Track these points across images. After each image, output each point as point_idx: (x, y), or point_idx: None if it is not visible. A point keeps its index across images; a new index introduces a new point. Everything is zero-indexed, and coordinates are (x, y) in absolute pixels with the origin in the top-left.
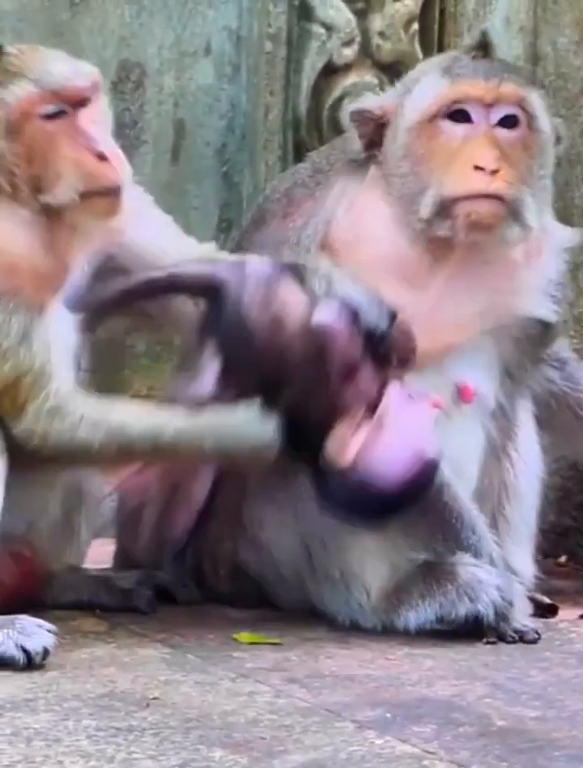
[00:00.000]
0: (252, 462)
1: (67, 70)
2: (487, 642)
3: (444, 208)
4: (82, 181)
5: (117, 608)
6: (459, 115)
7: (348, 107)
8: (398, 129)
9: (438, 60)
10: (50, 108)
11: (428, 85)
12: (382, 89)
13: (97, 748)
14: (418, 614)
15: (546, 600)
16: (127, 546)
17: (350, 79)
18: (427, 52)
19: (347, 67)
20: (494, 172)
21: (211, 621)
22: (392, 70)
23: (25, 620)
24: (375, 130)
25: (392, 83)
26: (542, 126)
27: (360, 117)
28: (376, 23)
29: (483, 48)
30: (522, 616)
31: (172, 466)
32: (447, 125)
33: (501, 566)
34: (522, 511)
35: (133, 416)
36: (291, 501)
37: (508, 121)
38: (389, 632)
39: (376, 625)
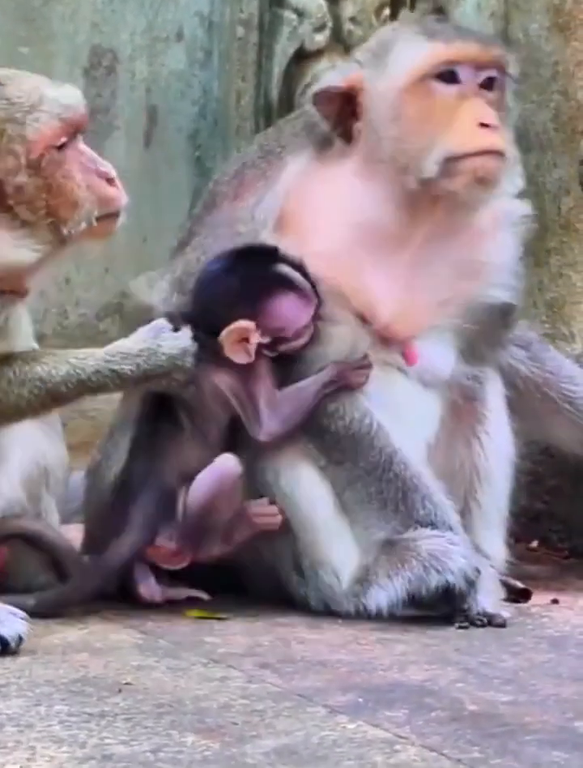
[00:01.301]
0: (175, 375)
1: (72, 97)
2: (459, 627)
3: (450, 166)
4: (98, 206)
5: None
6: (447, 75)
7: (310, 91)
8: (382, 92)
9: (404, 26)
10: (64, 139)
11: (414, 46)
12: None
13: (69, 734)
14: (388, 594)
15: (519, 585)
16: (95, 532)
17: (321, 65)
18: None
19: (319, 53)
20: (496, 128)
21: (184, 607)
22: None
23: None
24: (341, 106)
25: None
26: (509, 88)
27: (324, 96)
28: (348, 8)
29: (441, 11)
30: (495, 600)
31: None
32: (438, 86)
33: (461, 534)
34: (494, 495)
35: (54, 363)
36: (257, 487)
37: (488, 83)
38: (361, 616)
39: (349, 610)
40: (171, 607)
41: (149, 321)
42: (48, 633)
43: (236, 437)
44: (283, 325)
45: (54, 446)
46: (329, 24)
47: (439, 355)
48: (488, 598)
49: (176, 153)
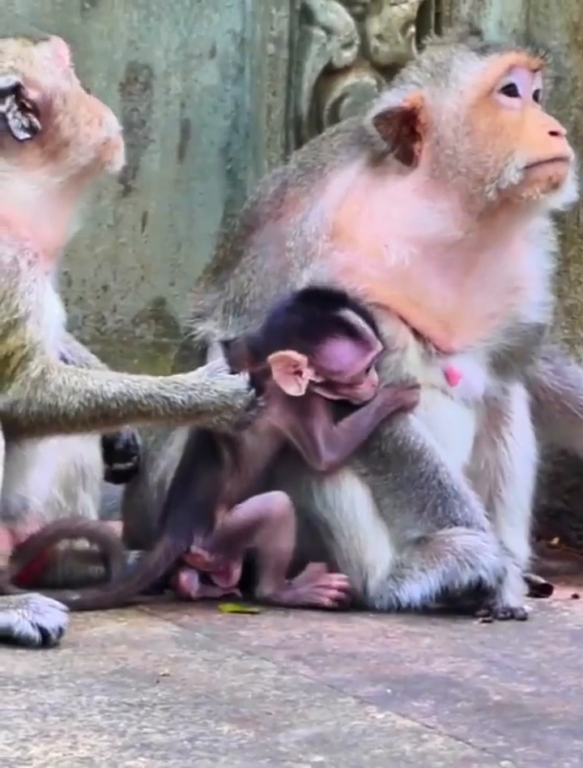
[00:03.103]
0: (224, 414)
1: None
2: (483, 621)
3: (530, 173)
4: (106, 128)
5: None
6: (509, 88)
7: (369, 114)
8: (451, 109)
9: (452, 46)
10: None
11: (472, 63)
12: (380, 90)
13: (110, 723)
14: (422, 587)
15: (541, 580)
16: (135, 531)
17: (349, 80)
18: None
19: (347, 69)
20: (562, 136)
21: (218, 602)
22: (390, 72)
23: (38, 600)
24: (399, 127)
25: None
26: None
27: (384, 119)
28: (375, 26)
29: (478, 33)
30: (517, 595)
31: (150, 424)
32: (503, 99)
33: (492, 538)
34: (517, 493)
35: (107, 379)
36: (295, 487)
37: (536, 94)
38: (393, 609)
39: (382, 605)
40: (206, 601)
41: (204, 350)
42: (87, 625)
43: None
44: (338, 368)
45: (90, 447)
46: (357, 41)
47: (473, 373)
48: (511, 592)
49: (209, 165)
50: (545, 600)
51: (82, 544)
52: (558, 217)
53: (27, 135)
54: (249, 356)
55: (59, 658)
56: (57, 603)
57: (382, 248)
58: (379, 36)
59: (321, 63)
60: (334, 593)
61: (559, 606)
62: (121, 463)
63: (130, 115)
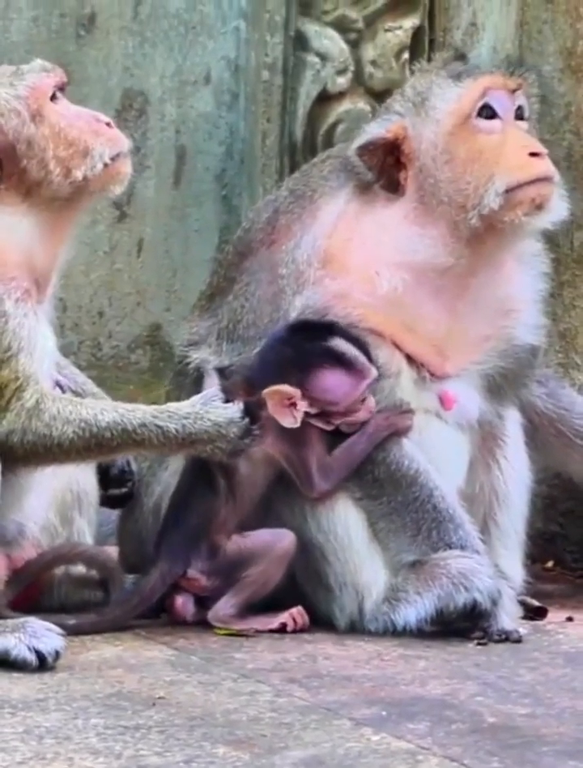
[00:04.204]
0: (218, 443)
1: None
2: (478, 643)
3: (510, 197)
4: (107, 147)
5: None
6: (487, 111)
7: (352, 145)
8: (430, 138)
9: (431, 73)
10: (54, 90)
11: (449, 89)
12: (374, 116)
13: (106, 746)
14: (417, 610)
15: (536, 603)
16: (130, 555)
17: (343, 106)
18: None
19: (341, 95)
20: (543, 155)
21: (213, 625)
22: (384, 98)
23: (35, 624)
24: (384, 157)
25: None
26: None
27: (369, 149)
28: (369, 52)
29: (462, 58)
30: (512, 618)
31: (144, 453)
32: (481, 123)
33: (487, 561)
34: (511, 517)
35: (101, 409)
36: (290, 510)
37: (520, 113)
38: (388, 632)
39: (377, 627)
40: (201, 625)
41: (199, 377)
42: (84, 649)
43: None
44: (332, 399)
45: (86, 473)
46: (351, 68)
47: (468, 397)
48: (506, 615)
49: (204, 191)
50: (540, 623)
51: (79, 569)
52: (551, 240)
53: None
54: (244, 386)
55: (55, 681)
56: (53, 627)
57: (374, 275)
58: (373, 62)
59: (316, 89)
60: (286, 621)
61: (553, 628)
62: (117, 489)
63: None
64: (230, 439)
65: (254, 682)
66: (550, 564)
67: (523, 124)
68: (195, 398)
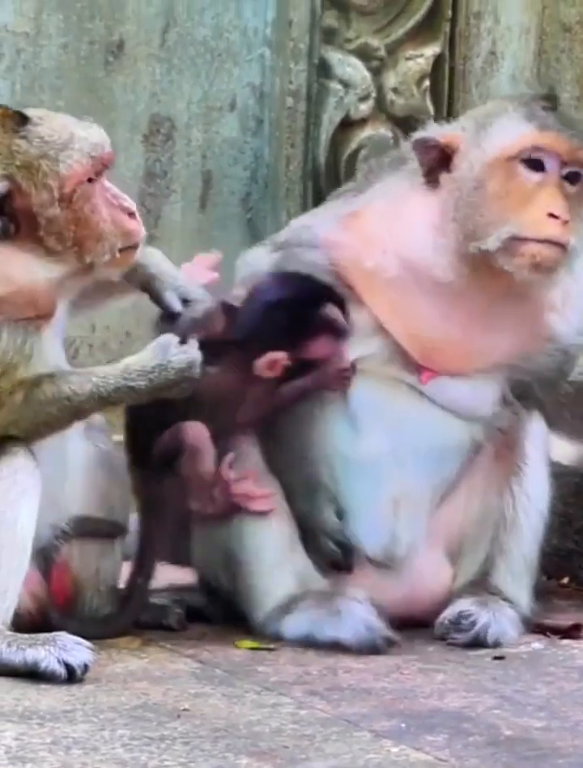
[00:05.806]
0: (182, 385)
1: (100, 136)
2: (495, 658)
3: (512, 246)
4: (121, 239)
5: (149, 625)
6: (534, 162)
7: (413, 135)
8: (472, 161)
9: (513, 103)
10: (93, 175)
11: (510, 126)
12: (395, 142)
13: (131, 756)
14: (294, 627)
15: (569, 624)
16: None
17: (365, 132)
18: (438, 107)
19: (363, 121)
20: (565, 222)
21: (237, 638)
22: (405, 124)
23: (65, 638)
24: (437, 157)
25: (406, 136)
26: None
27: (423, 145)
28: (390, 79)
29: (553, 101)
30: (510, 639)
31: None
32: (523, 169)
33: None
34: (520, 543)
35: (80, 382)
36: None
37: (572, 177)
38: (280, 639)
39: (272, 633)
40: (225, 638)
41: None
42: (110, 662)
43: None
44: (317, 362)
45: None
46: (373, 94)
47: (478, 391)
48: (503, 634)
49: (229, 215)
50: (555, 638)
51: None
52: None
53: None
54: (225, 324)
55: (83, 693)
56: (83, 641)
57: (379, 252)
58: (395, 90)
59: (339, 116)
60: (259, 504)
61: (568, 643)
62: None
63: (153, 166)
64: (194, 380)
65: (277, 695)
66: (565, 580)
67: (570, 187)
68: (153, 346)
